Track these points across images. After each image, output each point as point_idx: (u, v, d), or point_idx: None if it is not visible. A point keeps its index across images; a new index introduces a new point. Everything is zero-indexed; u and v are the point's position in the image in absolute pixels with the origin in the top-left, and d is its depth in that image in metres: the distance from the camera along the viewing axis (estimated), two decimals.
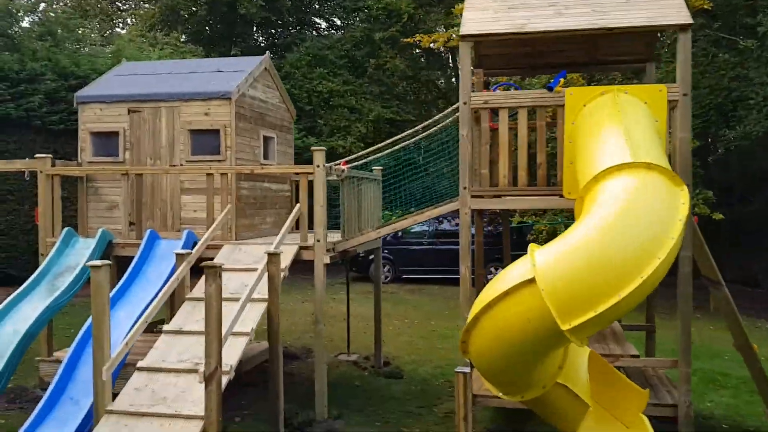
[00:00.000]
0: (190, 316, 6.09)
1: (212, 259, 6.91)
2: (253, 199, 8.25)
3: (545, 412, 5.28)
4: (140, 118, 8.06)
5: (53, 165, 7.62)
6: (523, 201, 6.09)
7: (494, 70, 7.91)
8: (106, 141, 8.16)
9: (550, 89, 5.81)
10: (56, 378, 5.79)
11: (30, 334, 6.24)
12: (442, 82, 26.23)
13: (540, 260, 4.34)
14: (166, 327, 5.95)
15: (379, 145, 7.23)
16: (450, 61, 25.61)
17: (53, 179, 7.56)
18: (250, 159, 8.16)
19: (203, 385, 5.27)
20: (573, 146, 5.73)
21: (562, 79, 5.85)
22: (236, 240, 7.50)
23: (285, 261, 6.59)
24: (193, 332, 5.85)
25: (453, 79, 25.60)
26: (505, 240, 8.55)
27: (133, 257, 7.25)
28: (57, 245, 7.20)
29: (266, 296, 6.14)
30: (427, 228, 17.26)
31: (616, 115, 5.34)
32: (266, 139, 8.67)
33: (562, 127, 5.87)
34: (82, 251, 7.23)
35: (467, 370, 5.22)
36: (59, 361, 7.31)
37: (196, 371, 5.43)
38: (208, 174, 7.24)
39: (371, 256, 14.58)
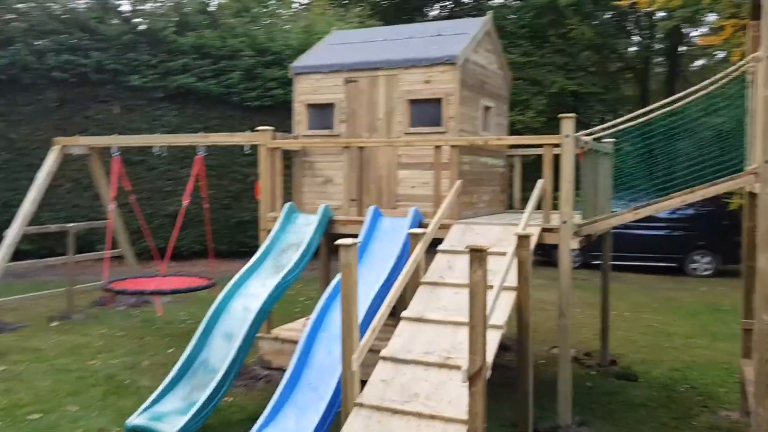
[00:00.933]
0: (430, 302, 5.49)
1: (441, 240, 6.32)
2: (473, 175, 7.55)
3: None
4: (356, 88, 7.61)
5: (273, 138, 7.36)
6: None
7: None
8: (321, 113, 7.81)
9: None
10: (293, 362, 5.44)
11: (263, 310, 5.98)
12: (631, 49, 24.18)
13: None
14: (405, 313, 5.39)
15: (630, 116, 6.24)
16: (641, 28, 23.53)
17: (274, 153, 7.30)
18: (470, 131, 7.45)
19: (456, 383, 4.68)
20: None
21: None
22: (457, 219, 6.84)
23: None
24: (436, 321, 5.25)
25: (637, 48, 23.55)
26: None
27: (353, 235, 6.85)
28: (280, 221, 6.94)
29: (514, 284, 5.41)
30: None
31: None
32: (485, 109, 7.92)
33: None
34: (304, 227, 6.92)
35: None
36: (278, 339, 7.14)
37: (446, 366, 4.83)
38: (436, 147, 6.61)
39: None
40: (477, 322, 4.30)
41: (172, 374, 5.71)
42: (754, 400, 5.08)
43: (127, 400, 6.34)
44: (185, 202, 7.82)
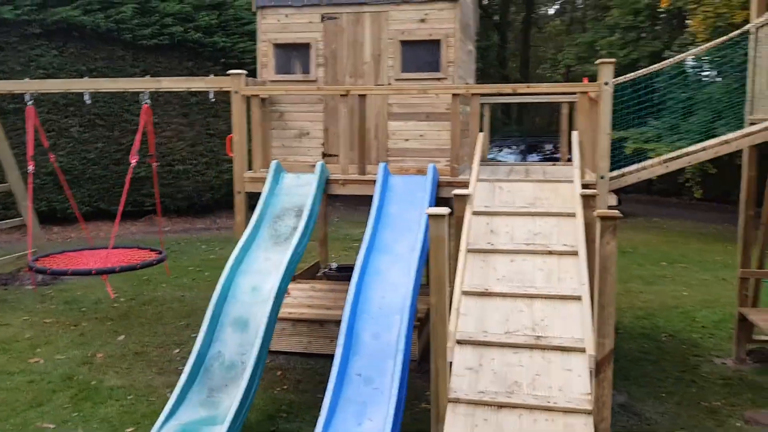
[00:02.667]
0: (487, 273, 4.86)
1: (456, 200, 5.66)
2: (462, 126, 6.92)
3: None
4: (337, 26, 6.61)
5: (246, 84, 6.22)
6: None
7: None
8: (293, 55, 6.74)
9: None
10: (338, 352, 4.62)
11: (281, 291, 5.04)
12: None
13: None
14: (465, 288, 4.70)
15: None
16: None
17: (250, 101, 6.18)
18: (463, 78, 6.77)
19: (557, 366, 4.15)
20: None
21: None
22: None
23: (572, 202, 5.35)
24: (505, 294, 4.64)
25: None
26: None
27: (351, 196, 6.03)
28: (269, 183, 5.91)
29: (574, 248, 4.92)
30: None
31: None
32: (468, 53, 7.25)
33: None
34: (297, 189, 5.95)
35: None
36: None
37: (539, 347, 4.26)
38: (454, 94, 5.86)
39: None
40: (608, 301, 3.76)
41: (184, 377, 4.65)
42: None
43: (106, 406, 5.17)
44: (133, 160, 6.47)
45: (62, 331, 6.96)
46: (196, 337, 6.66)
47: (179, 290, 8.63)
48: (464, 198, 5.02)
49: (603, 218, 3.72)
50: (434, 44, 6.40)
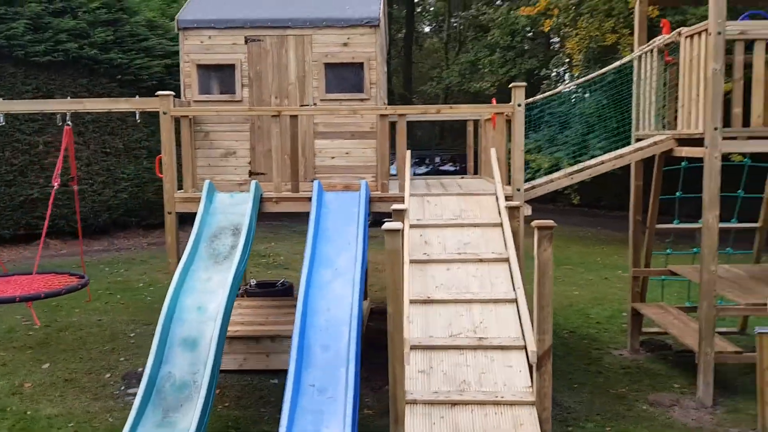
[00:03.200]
0: (425, 281, 5.22)
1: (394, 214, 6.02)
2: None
3: None
4: (261, 48, 6.79)
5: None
6: None
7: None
8: (217, 76, 6.83)
9: None
10: (292, 365, 4.80)
11: (227, 310, 5.14)
12: None
13: None
14: (411, 297, 5.03)
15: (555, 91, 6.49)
16: None
17: (181, 122, 6.22)
18: (382, 98, 7.15)
19: (499, 364, 4.58)
20: None
21: None
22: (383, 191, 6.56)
23: (495, 213, 5.84)
24: (446, 301, 5.02)
25: None
26: None
27: (286, 214, 6.23)
28: (203, 202, 5.98)
29: (504, 255, 5.39)
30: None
31: None
32: (384, 74, 7.65)
33: None
34: (232, 208, 6.06)
35: None
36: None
37: (482, 347, 4.68)
38: (382, 115, 6.21)
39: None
40: (546, 302, 4.23)
41: (138, 400, 4.65)
42: (700, 341, 5.79)
43: None
44: (55, 183, 6.29)
45: None
46: (124, 360, 6.64)
47: (95, 315, 8.37)
48: (402, 212, 5.37)
49: (540, 228, 4.19)
50: (357, 66, 6.72)
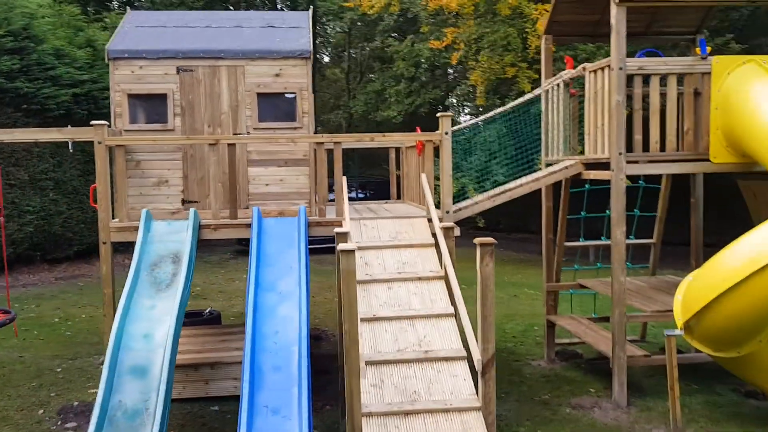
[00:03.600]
0: (369, 300, 5.50)
1: (337, 237, 6.29)
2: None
3: (743, 365, 5.66)
4: (193, 78, 6.90)
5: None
6: (672, 166, 6.39)
7: (561, 36, 8.05)
8: (149, 105, 6.87)
9: (704, 57, 6.14)
10: (245, 388, 4.91)
11: (175, 338, 5.19)
12: None
13: None
14: (362, 316, 5.27)
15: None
16: None
17: (114, 151, 6.22)
18: (312, 125, 7.41)
19: (445, 374, 4.92)
20: (720, 113, 6.16)
21: (709, 47, 6.20)
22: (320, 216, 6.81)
23: (428, 234, 6.22)
24: (390, 318, 5.32)
25: None
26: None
27: (224, 240, 6.31)
28: (141, 231, 5.98)
29: (440, 273, 5.76)
30: None
31: None
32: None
33: (707, 95, 6.24)
34: (170, 236, 6.10)
35: (678, 333, 5.48)
36: None
37: (428, 360, 5.01)
38: (318, 143, 6.47)
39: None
40: (488, 313, 4.60)
41: (91, 429, 4.61)
42: (614, 347, 6.36)
43: None
44: None
45: None
46: (55, 396, 6.47)
47: (14, 351, 8.01)
48: (345, 235, 5.63)
49: (482, 244, 4.58)
50: (290, 98, 6.96)
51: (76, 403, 6.25)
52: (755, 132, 5.78)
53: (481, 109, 17.67)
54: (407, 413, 4.61)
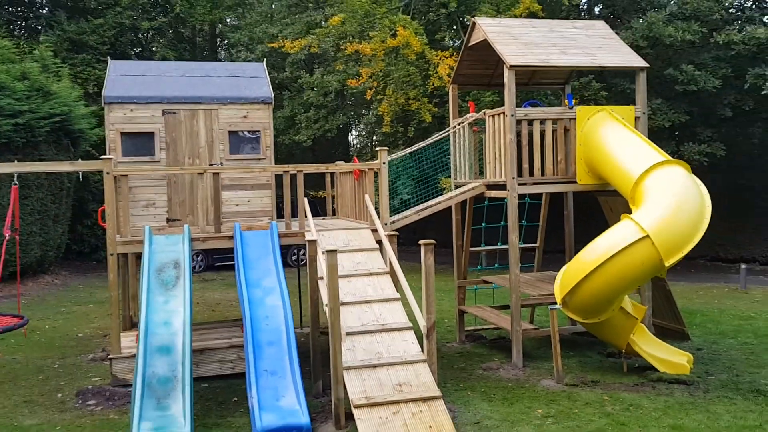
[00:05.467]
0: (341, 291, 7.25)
1: (305, 244, 7.99)
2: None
3: (602, 329, 7.90)
4: (175, 119, 8.44)
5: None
6: (550, 186, 8.61)
7: (464, 85, 10.21)
8: (139, 141, 8.34)
9: (571, 107, 8.43)
10: (248, 361, 6.54)
11: (189, 324, 6.75)
12: None
13: (647, 224, 6.96)
14: (330, 303, 7.01)
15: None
16: None
17: (120, 180, 7.65)
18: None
19: (397, 340, 6.78)
20: (582, 147, 8.46)
21: (575, 100, 8.49)
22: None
23: (372, 241, 8.08)
24: (353, 302, 7.10)
25: None
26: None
27: (212, 249, 7.88)
28: (147, 243, 7.45)
29: (385, 269, 7.63)
30: None
31: (626, 125, 8.20)
32: None
33: (574, 134, 8.53)
34: (169, 247, 7.59)
35: (558, 307, 7.65)
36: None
37: (385, 330, 6.85)
38: (285, 172, 8.18)
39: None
40: (430, 292, 6.52)
41: (138, 392, 6.10)
42: (512, 322, 8.45)
43: None
44: (6, 234, 7.31)
45: None
46: (65, 384, 7.75)
47: (7, 354, 9.07)
48: (314, 242, 7.39)
49: (425, 244, 6.50)
50: (255, 135, 8.64)
51: (90, 386, 7.57)
52: (604, 161, 8.11)
53: (384, 136, 19.85)
54: (375, 366, 6.42)
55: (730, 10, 15.92)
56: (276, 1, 24.11)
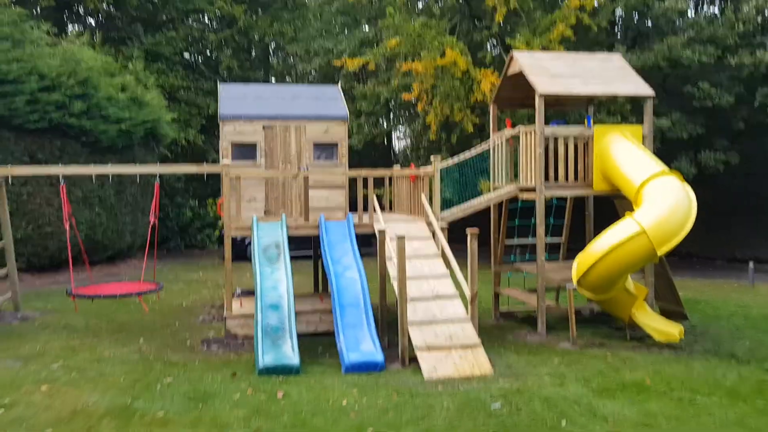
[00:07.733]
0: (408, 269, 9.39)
1: (375, 234, 10.19)
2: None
3: (610, 304, 9.92)
4: (272, 132, 10.71)
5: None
6: (572, 190, 10.65)
7: (503, 106, 12.31)
8: (244, 150, 10.63)
9: (589, 128, 10.46)
10: (337, 314, 8.76)
11: (292, 289, 8.99)
12: None
13: (644, 222, 8.95)
14: (399, 275, 9.17)
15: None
16: None
17: (237, 180, 9.95)
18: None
19: (448, 306, 8.91)
20: (598, 159, 10.47)
21: (596, 117, 10.49)
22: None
23: (426, 231, 10.22)
24: (415, 277, 9.24)
25: None
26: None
27: (300, 236, 10.18)
28: (255, 229, 9.72)
29: (437, 253, 9.77)
30: None
31: (634, 142, 10.20)
32: None
33: (591, 148, 10.54)
34: (272, 231, 9.85)
35: (574, 286, 9.68)
36: (245, 316, 9.94)
37: (439, 297, 8.99)
38: (358, 176, 10.37)
39: (247, 240, 17.66)
40: (474, 269, 8.63)
41: (259, 334, 8.36)
42: (538, 300, 10.49)
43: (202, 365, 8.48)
44: (152, 219, 9.65)
45: (83, 345, 9.57)
46: (189, 336, 10.04)
47: (135, 315, 11.53)
48: (383, 231, 9.57)
49: (471, 232, 8.62)
50: (334, 145, 10.87)
51: (211, 336, 9.88)
52: (615, 171, 10.13)
53: (429, 142, 21.99)
54: (431, 322, 8.58)
55: (743, 38, 17.65)
56: (332, 17, 26.39)
